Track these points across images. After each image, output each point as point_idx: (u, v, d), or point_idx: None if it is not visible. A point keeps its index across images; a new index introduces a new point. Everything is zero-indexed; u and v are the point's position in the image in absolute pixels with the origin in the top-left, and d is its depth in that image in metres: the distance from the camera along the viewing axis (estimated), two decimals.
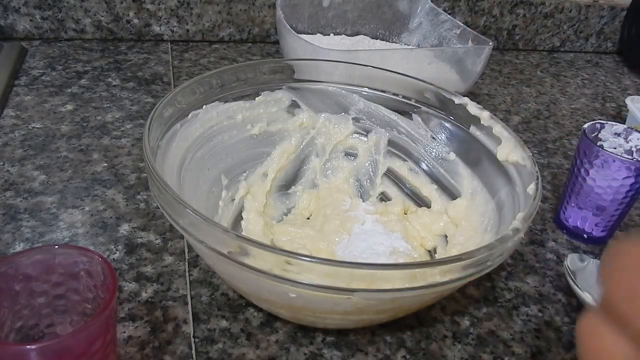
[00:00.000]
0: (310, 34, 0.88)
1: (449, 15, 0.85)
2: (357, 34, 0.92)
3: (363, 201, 0.56)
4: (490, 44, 0.74)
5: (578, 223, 0.57)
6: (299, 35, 0.72)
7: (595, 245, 0.57)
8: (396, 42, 0.93)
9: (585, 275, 0.48)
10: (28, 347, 0.27)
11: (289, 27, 0.73)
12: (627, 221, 0.61)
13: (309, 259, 0.33)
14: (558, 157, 0.72)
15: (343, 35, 0.91)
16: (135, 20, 0.86)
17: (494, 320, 0.46)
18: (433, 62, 0.72)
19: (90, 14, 0.84)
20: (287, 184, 0.57)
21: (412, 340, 0.43)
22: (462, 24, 0.82)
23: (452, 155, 0.54)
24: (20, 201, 0.52)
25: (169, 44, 0.89)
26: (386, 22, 0.93)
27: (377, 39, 0.93)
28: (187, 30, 0.89)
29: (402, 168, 0.57)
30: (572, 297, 0.49)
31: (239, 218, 0.51)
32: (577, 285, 0.47)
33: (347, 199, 0.55)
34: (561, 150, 0.74)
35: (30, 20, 0.82)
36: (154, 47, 0.87)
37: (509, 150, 0.48)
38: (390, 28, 0.93)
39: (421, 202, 0.55)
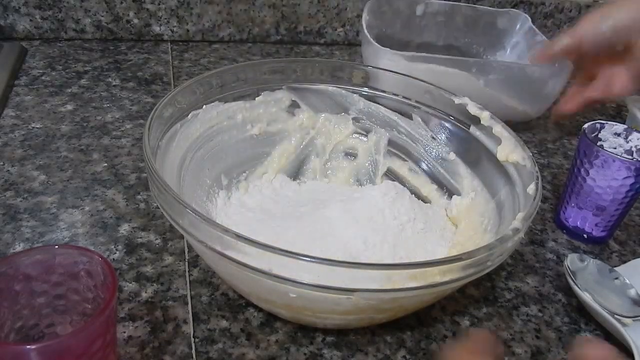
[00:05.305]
0: (399, 41, 0.83)
1: (544, 37, 0.78)
2: (450, 46, 0.86)
3: None
4: (569, 67, 0.69)
5: (578, 223, 0.57)
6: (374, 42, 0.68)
7: (595, 245, 0.57)
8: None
9: (585, 275, 0.48)
10: (28, 347, 0.27)
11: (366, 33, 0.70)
12: (627, 221, 0.61)
13: (309, 259, 0.33)
14: (558, 157, 0.72)
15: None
16: (135, 20, 0.86)
17: (494, 320, 0.46)
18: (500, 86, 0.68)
19: (90, 14, 0.84)
20: None
21: (412, 340, 0.43)
22: None
23: (452, 155, 0.54)
24: (20, 201, 0.52)
25: (169, 44, 0.89)
26: (483, 38, 0.86)
27: (470, 55, 0.86)
28: (187, 30, 0.89)
29: (402, 168, 0.57)
30: (572, 297, 0.49)
31: None
32: (577, 285, 0.46)
33: None
34: (561, 150, 0.74)
35: (30, 20, 0.82)
36: (154, 47, 0.87)
37: (509, 150, 0.48)
38: (486, 44, 0.86)
39: (421, 202, 0.55)
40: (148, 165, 0.39)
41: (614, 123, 0.56)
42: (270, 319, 0.43)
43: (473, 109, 0.52)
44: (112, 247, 0.48)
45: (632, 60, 0.63)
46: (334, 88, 0.57)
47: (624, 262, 0.54)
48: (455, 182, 0.54)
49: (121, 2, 0.84)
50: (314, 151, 0.58)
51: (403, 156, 0.57)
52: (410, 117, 0.56)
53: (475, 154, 0.52)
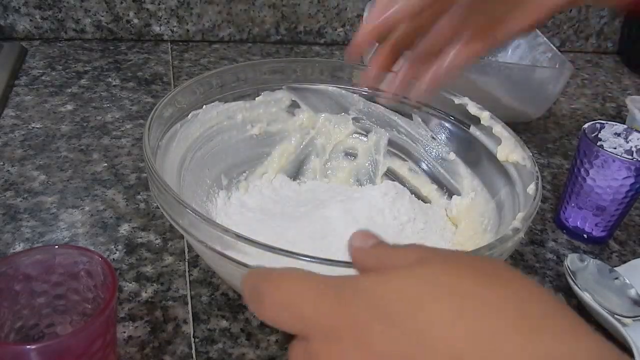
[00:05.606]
0: None
1: (545, 38, 0.80)
2: None
3: None
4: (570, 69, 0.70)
5: (578, 223, 0.57)
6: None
7: (595, 245, 0.57)
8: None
9: (585, 275, 0.48)
10: (28, 347, 0.27)
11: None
12: (627, 221, 0.61)
13: (309, 259, 0.33)
14: (558, 157, 0.72)
15: None
16: (135, 20, 0.86)
17: None
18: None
19: (90, 14, 0.84)
20: None
21: None
22: (554, 48, 0.77)
23: (452, 155, 0.54)
24: (20, 201, 0.52)
25: (169, 44, 0.89)
26: None
27: None
28: (187, 30, 0.89)
29: (402, 168, 0.57)
30: (572, 297, 0.49)
31: None
32: (577, 285, 0.46)
33: None
34: (561, 150, 0.74)
35: (30, 20, 0.82)
36: (154, 47, 0.87)
37: (509, 150, 0.48)
38: None
39: (421, 202, 0.55)
40: (148, 165, 0.39)
41: (614, 123, 0.56)
42: None
43: (473, 109, 0.52)
44: (112, 247, 0.48)
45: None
46: (334, 88, 0.57)
47: (624, 262, 0.54)
48: (455, 182, 0.54)
49: (121, 2, 0.84)
50: (314, 151, 0.58)
51: (403, 156, 0.57)
52: (410, 117, 0.56)
53: (475, 154, 0.52)
